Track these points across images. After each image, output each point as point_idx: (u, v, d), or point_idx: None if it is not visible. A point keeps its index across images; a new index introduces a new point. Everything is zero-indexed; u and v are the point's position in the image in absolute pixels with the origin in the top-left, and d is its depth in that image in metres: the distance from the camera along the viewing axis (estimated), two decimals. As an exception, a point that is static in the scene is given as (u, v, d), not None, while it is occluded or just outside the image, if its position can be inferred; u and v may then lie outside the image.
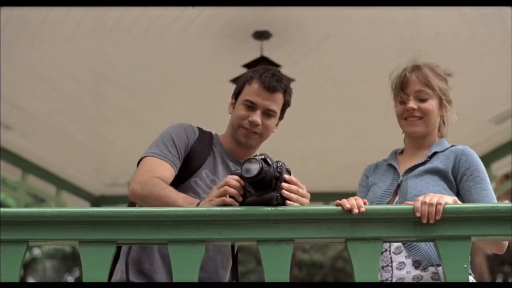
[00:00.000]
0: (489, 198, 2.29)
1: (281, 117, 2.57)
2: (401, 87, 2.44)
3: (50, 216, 1.98)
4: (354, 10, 4.62)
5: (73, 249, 15.17)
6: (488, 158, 6.36)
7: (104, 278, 1.93)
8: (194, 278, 1.93)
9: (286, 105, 2.55)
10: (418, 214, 1.99)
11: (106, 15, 4.74)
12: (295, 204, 1.99)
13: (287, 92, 2.52)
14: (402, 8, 4.51)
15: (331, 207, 2.06)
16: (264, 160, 1.97)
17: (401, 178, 2.40)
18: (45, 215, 1.98)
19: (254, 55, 5.00)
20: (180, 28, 4.93)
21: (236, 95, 2.56)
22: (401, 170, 2.43)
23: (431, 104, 2.41)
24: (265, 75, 2.49)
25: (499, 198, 8.85)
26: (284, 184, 1.98)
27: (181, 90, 5.81)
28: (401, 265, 2.23)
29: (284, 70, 4.94)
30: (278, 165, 1.99)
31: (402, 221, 2.00)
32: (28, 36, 4.92)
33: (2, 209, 1.97)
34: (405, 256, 2.23)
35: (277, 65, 5.03)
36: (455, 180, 2.35)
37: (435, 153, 2.42)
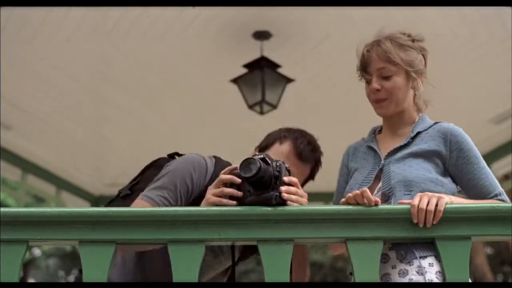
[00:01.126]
0: (490, 177, 2.23)
1: (304, 183, 2.42)
2: (363, 67, 2.31)
3: (50, 216, 1.98)
4: (354, 10, 4.61)
5: (73, 248, 15.15)
6: (488, 158, 6.34)
7: (104, 278, 1.93)
8: (194, 278, 1.93)
9: (309, 177, 2.45)
10: (415, 220, 1.97)
11: (106, 15, 4.74)
12: (295, 204, 1.98)
13: (317, 165, 2.44)
14: (402, 8, 4.51)
15: (331, 207, 2.05)
16: (263, 159, 1.96)
17: (382, 162, 2.28)
18: (45, 215, 1.98)
19: (254, 55, 5.00)
20: (180, 28, 4.93)
21: (263, 149, 2.42)
22: (382, 151, 2.32)
23: (395, 81, 2.26)
24: (300, 141, 2.39)
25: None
26: (282, 188, 1.96)
27: (181, 90, 5.81)
28: (386, 258, 2.14)
29: (284, 70, 5.02)
30: (277, 164, 1.98)
31: (402, 221, 2.00)
32: (28, 36, 4.92)
33: (2, 209, 1.97)
34: (389, 248, 2.14)
35: (277, 65, 5.04)
36: (444, 161, 2.24)
37: (418, 133, 2.29)
